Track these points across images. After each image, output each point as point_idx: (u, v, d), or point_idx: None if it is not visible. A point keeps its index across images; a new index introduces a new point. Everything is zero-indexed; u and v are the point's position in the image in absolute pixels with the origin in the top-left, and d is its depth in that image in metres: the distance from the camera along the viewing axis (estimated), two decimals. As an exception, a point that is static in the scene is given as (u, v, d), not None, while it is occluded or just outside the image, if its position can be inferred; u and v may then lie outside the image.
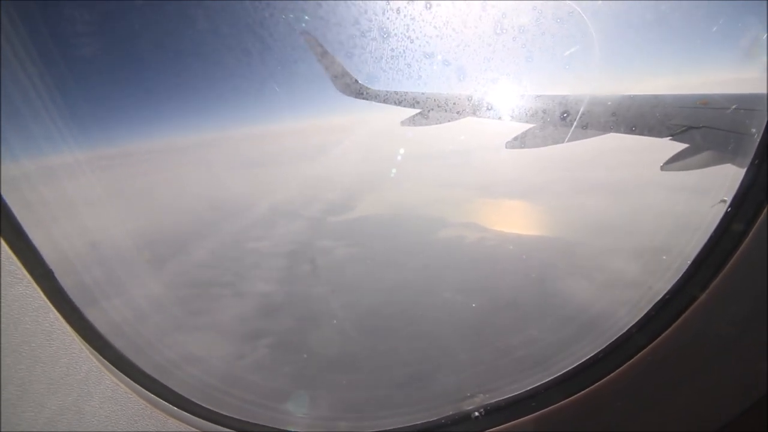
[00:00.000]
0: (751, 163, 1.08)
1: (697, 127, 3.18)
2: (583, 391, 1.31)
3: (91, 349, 1.29)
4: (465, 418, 1.49)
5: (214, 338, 8.49)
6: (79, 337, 1.25)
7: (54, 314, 1.16)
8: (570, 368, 1.37)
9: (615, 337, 1.32)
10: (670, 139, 3.27)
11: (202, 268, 12.62)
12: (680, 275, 1.21)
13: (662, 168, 3.33)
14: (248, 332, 8.59)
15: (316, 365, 7.09)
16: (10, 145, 1.44)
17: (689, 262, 1.19)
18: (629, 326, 1.30)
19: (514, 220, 14.46)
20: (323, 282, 10.94)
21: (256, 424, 1.60)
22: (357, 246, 13.33)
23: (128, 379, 1.39)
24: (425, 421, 1.54)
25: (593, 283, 8.77)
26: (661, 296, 1.24)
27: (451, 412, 1.52)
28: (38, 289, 1.14)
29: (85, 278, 1.69)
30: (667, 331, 1.19)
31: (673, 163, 3.24)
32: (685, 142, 3.18)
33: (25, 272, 1.10)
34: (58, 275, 1.24)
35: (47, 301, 1.16)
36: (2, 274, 1.06)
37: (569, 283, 8.91)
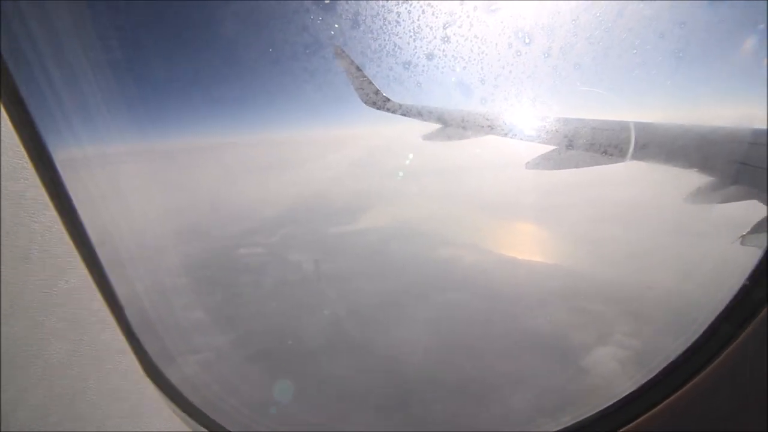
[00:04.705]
0: None
1: (724, 161, 3.11)
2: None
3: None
4: None
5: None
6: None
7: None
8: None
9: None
10: (696, 171, 3.20)
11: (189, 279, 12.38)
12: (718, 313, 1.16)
13: (686, 200, 3.26)
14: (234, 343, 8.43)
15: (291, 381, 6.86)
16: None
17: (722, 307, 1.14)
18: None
19: (524, 244, 14.24)
20: (307, 292, 10.83)
21: None
22: (350, 258, 13.26)
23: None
24: None
25: (591, 319, 8.48)
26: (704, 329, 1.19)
27: None
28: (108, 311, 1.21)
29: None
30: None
31: (697, 195, 3.16)
32: (711, 175, 3.10)
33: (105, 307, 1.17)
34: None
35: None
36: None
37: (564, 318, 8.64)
